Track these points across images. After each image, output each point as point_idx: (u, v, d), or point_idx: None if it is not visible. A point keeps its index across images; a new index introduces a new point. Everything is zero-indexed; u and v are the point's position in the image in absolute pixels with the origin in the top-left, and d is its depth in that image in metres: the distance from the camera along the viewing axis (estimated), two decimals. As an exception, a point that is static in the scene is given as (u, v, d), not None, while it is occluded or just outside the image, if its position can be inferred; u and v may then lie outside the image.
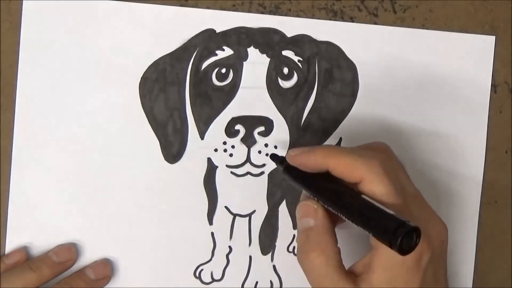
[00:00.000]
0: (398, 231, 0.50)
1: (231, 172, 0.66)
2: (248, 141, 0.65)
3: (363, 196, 0.54)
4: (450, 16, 0.68)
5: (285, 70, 0.66)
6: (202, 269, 0.67)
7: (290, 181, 0.60)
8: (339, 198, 0.55)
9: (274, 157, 0.64)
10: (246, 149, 0.66)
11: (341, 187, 0.56)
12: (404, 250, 0.51)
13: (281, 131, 0.66)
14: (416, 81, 0.68)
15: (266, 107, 0.66)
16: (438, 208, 0.66)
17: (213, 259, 0.67)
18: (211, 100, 0.66)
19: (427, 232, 0.54)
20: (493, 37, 0.69)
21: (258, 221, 0.67)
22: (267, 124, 0.66)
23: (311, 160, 0.57)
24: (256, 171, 0.66)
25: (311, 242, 0.56)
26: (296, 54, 0.66)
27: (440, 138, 0.69)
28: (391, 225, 0.51)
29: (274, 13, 0.66)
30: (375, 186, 0.54)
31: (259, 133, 0.65)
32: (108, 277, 0.65)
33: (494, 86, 0.69)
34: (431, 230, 0.56)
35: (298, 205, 0.58)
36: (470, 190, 0.69)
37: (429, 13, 0.68)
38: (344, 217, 0.54)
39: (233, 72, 0.66)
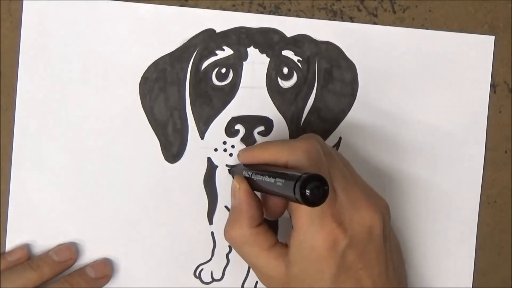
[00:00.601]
0: (298, 181, 0.51)
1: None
2: (248, 140, 0.66)
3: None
4: (449, 16, 0.68)
5: (285, 70, 0.66)
6: (202, 269, 0.67)
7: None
8: (261, 170, 0.59)
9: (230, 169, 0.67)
10: (246, 148, 0.66)
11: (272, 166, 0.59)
12: (311, 202, 0.51)
13: (280, 131, 0.66)
14: (415, 81, 0.68)
15: (266, 107, 0.66)
16: (438, 207, 0.67)
17: (213, 258, 0.67)
18: (211, 100, 0.66)
19: (346, 217, 0.57)
20: (493, 37, 0.69)
21: (258, 220, 0.67)
22: (267, 124, 0.66)
23: (251, 155, 0.61)
24: (256, 170, 0.66)
25: (231, 219, 0.61)
26: (295, 54, 0.66)
27: (439, 138, 0.69)
28: (293, 177, 0.52)
29: (274, 13, 0.66)
30: (297, 167, 0.57)
31: (259, 133, 0.66)
32: (108, 276, 0.65)
33: (493, 86, 0.69)
34: (354, 215, 0.57)
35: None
36: (469, 190, 0.69)
37: (428, 13, 0.68)
38: (263, 186, 0.57)
39: (233, 72, 0.66)
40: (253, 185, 0.60)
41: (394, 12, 0.68)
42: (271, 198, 0.60)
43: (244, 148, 0.65)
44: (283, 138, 0.66)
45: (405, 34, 0.68)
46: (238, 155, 0.63)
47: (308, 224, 0.56)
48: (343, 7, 0.67)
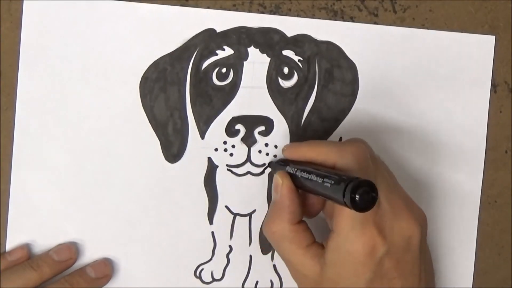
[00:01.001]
0: (349, 185, 0.52)
1: (232, 172, 0.66)
2: (249, 140, 0.66)
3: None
4: (450, 16, 0.68)
5: (285, 70, 0.66)
6: (202, 269, 0.67)
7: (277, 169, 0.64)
8: (307, 168, 0.59)
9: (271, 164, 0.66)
10: (247, 148, 0.66)
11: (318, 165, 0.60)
12: (359, 207, 0.52)
13: (281, 131, 0.66)
14: (416, 81, 0.68)
15: (266, 107, 0.66)
16: (438, 207, 0.67)
17: (213, 258, 0.67)
18: (211, 100, 0.66)
19: (387, 225, 0.57)
20: (493, 37, 0.69)
21: (258, 220, 0.67)
22: (268, 124, 0.66)
23: (298, 151, 0.62)
24: (256, 170, 0.66)
25: (272, 214, 0.61)
26: (296, 54, 0.66)
27: (440, 138, 0.69)
28: (344, 180, 0.52)
29: (275, 13, 0.66)
30: (345, 170, 0.57)
31: (259, 133, 0.66)
32: (109, 276, 0.65)
33: (494, 86, 0.69)
34: (395, 224, 0.57)
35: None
36: (470, 190, 0.69)
37: (429, 13, 0.68)
38: (307, 184, 0.58)
39: (233, 71, 0.66)
40: (295, 181, 0.60)
41: (395, 12, 0.68)
42: (310, 196, 0.61)
43: (290, 144, 0.65)
44: (286, 139, 0.66)
45: (406, 34, 0.68)
46: (283, 149, 0.64)
47: (349, 228, 0.57)
48: (344, 6, 0.67)
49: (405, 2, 0.68)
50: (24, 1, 0.63)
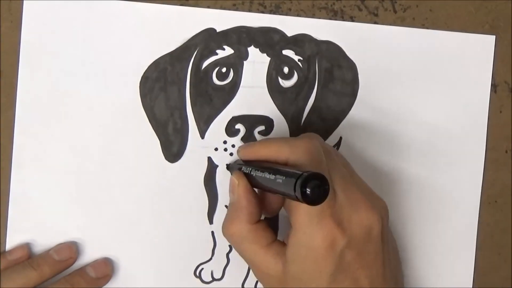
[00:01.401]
0: (299, 179, 0.51)
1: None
2: (249, 140, 0.66)
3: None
4: (450, 15, 0.68)
5: (286, 70, 0.66)
6: (202, 268, 0.67)
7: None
8: (260, 167, 0.58)
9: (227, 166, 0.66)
10: (247, 148, 0.66)
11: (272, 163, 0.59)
12: (311, 200, 0.51)
13: (281, 131, 0.66)
14: (416, 81, 0.68)
15: (266, 107, 0.66)
16: (437, 207, 0.67)
17: (213, 258, 0.67)
18: (211, 100, 0.66)
19: (345, 217, 0.57)
20: (493, 37, 0.69)
21: (258, 220, 0.67)
22: (267, 124, 0.66)
23: (251, 150, 0.61)
24: (256, 170, 0.66)
25: (230, 215, 0.61)
26: (296, 54, 0.66)
27: (440, 137, 0.69)
28: (294, 175, 0.52)
29: (275, 13, 0.66)
30: (297, 166, 0.57)
31: (259, 132, 0.66)
32: (109, 276, 0.65)
33: (494, 86, 0.69)
34: (353, 216, 0.57)
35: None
36: (470, 190, 0.69)
37: (429, 12, 0.68)
38: (262, 182, 0.57)
39: (233, 71, 0.66)
40: (251, 181, 0.60)
41: (395, 11, 0.68)
42: (269, 195, 0.61)
43: (244, 144, 0.65)
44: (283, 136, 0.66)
45: (406, 33, 0.68)
46: (238, 151, 0.63)
47: (307, 223, 0.56)
48: (344, 6, 0.67)
49: (405, 2, 0.68)
50: (24, 1, 0.63)
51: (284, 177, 0.53)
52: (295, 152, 0.57)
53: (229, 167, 0.66)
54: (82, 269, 0.64)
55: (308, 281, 0.57)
